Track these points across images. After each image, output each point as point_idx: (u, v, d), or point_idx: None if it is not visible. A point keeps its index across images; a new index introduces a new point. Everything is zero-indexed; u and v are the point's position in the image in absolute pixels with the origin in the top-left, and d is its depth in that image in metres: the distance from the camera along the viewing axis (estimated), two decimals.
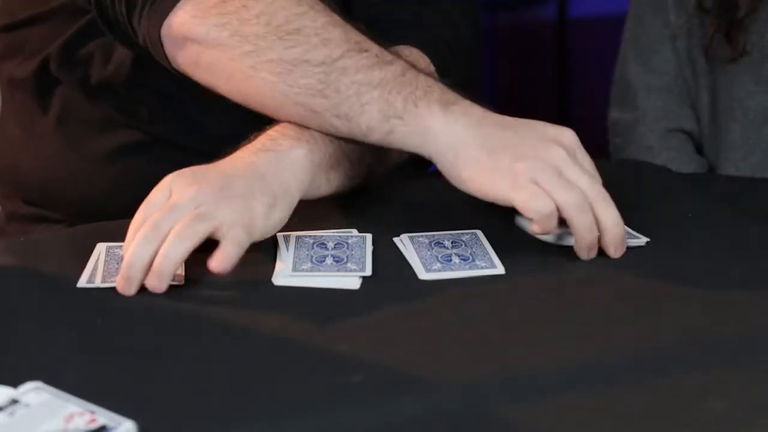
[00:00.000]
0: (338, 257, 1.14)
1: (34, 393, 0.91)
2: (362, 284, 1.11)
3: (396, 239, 1.19)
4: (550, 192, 1.12)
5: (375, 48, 1.19)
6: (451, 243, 1.18)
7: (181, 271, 1.13)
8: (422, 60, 1.39)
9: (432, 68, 1.38)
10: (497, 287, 1.11)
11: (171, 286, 1.10)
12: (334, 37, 1.19)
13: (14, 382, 0.92)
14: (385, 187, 1.32)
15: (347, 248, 1.16)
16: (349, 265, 1.13)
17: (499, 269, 1.13)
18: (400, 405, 0.93)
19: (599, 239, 1.14)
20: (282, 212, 1.16)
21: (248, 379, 0.97)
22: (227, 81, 1.23)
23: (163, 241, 1.09)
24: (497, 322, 1.05)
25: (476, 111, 1.16)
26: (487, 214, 1.22)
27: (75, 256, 1.15)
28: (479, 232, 1.19)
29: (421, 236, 1.19)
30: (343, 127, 1.18)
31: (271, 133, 1.22)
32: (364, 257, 1.14)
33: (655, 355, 1.00)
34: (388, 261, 1.15)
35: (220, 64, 1.22)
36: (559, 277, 1.13)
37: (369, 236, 1.18)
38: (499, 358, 0.99)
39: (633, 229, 1.20)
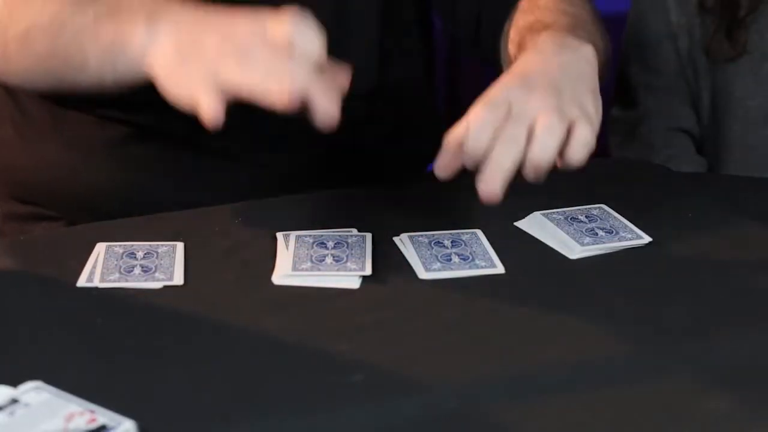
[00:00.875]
0: (338, 257, 1.14)
1: (34, 392, 0.91)
2: (362, 284, 1.11)
3: (396, 239, 1.19)
4: (227, 82, 1.05)
5: None
6: (451, 242, 1.18)
7: (181, 271, 1.13)
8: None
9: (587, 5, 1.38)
10: (497, 287, 1.11)
11: (171, 287, 1.10)
12: None
13: (14, 382, 0.92)
14: (385, 187, 1.32)
15: (347, 247, 1.16)
16: (348, 264, 1.13)
17: (499, 268, 1.13)
18: (400, 405, 0.93)
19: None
20: (601, 108, 1.16)
21: (248, 379, 0.97)
22: (4, 69, 1.24)
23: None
24: (497, 322, 1.05)
25: (182, 15, 1.11)
26: (487, 214, 1.21)
27: (74, 255, 1.15)
28: (479, 232, 1.19)
29: (421, 236, 1.19)
30: (82, 81, 1.17)
31: (547, 36, 1.21)
32: (364, 257, 1.14)
33: (655, 354, 1.00)
34: (389, 261, 1.15)
35: None
36: (559, 277, 1.13)
37: (369, 236, 1.18)
38: (499, 358, 0.99)
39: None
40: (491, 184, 1.06)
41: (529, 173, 1.08)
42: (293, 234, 1.18)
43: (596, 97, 1.16)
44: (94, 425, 0.88)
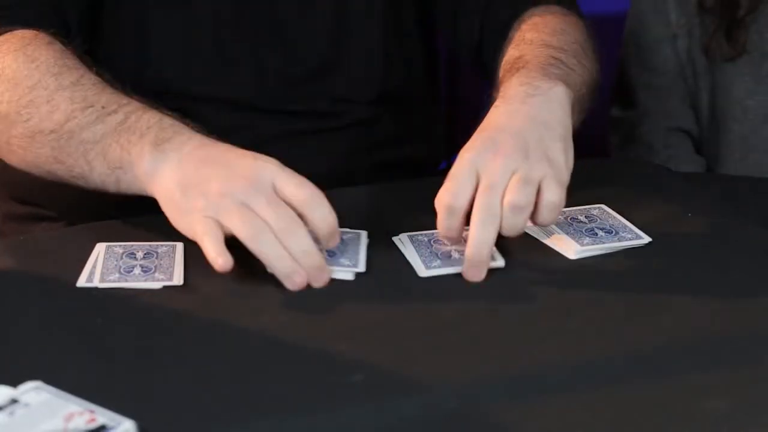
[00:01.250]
0: (331, 252, 1.14)
1: (33, 392, 0.91)
2: (362, 283, 1.11)
3: (395, 238, 1.19)
4: (224, 223, 1.09)
5: (102, 99, 1.21)
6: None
7: (180, 271, 1.13)
8: (565, 18, 1.41)
9: (581, 23, 1.42)
10: (497, 287, 1.11)
11: (171, 287, 1.10)
12: (62, 101, 1.21)
13: (14, 382, 0.92)
14: (385, 188, 1.32)
15: (341, 244, 1.15)
16: (341, 260, 1.13)
17: (500, 261, 1.13)
18: (400, 405, 0.93)
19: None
20: (572, 151, 1.18)
21: (248, 379, 0.97)
22: (5, 158, 1.28)
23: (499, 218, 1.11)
24: (497, 322, 1.05)
25: (188, 146, 1.15)
26: None
27: (74, 255, 1.15)
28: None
29: (420, 234, 1.19)
30: (87, 186, 1.22)
31: (518, 80, 1.23)
32: (358, 254, 1.14)
33: (655, 354, 1.00)
34: (388, 260, 1.15)
35: None
36: (559, 277, 1.13)
37: (364, 233, 1.18)
38: (499, 358, 0.99)
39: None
40: (478, 262, 1.11)
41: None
42: None
43: (566, 142, 1.18)
44: (93, 425, 0.88)
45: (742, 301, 1.08)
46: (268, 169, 1.11)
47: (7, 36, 1.29)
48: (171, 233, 1.19)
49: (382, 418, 0.92)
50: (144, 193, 1.17)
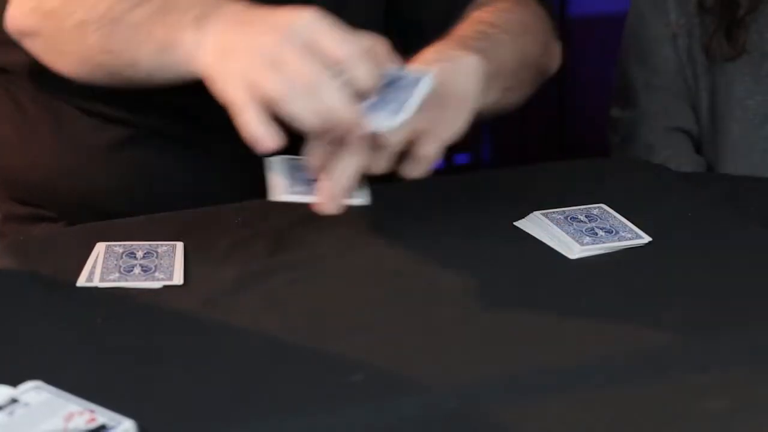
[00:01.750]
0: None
1: (33, 392, 0.91)
2: (362, 283, 1.11)
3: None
4: (259, 85, 1.06)
5: None
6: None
7: (180, 271, 1.13)
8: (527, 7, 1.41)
9: (541, 11, 1.42)
10: (498, 287, 1.11)
11: (171, 286, 1.10)
12: None
13: (14, 381, 0.92)
14: (384, 187, 1.31)
15: (390, 89, 1.13)
16: (383, 111, 1.10)
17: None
18: (400, 405, 0.93)
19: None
20: (465, 117, 1.16)
21: (248, 379, 0.97)
22: (55, 63, 1.26)
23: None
24: (497, 322, 1.05)
25: (226, 15, 1.12)
26: (486, 213, 1.22)
27: (74, 255, 1.15)
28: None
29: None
30: (135, 76, 1.18)
31: (434, 48, 1.22)
32: (409, 98, 1.10)
33: (656, 354, 1.00)
34: (388, 260, 1.15)
35: (42, 48, 1.25)
36: (559, 277, 1.13)
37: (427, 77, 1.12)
38: (500, 358, 0.99)
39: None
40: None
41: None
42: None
43: (459, 108, 1.16)
44: (93, 425, 0.88)
45: (741, 301, 1.08)
46: (302, 20, 1.07)
47: None
48: (171, 233, 1.19)
49: (381, 417, 0.92)
50: (189, 76, 1.14)
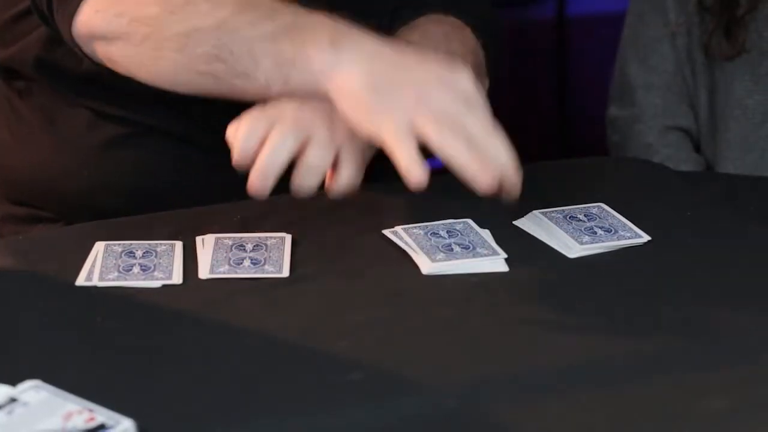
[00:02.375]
0: (255, 259, 1.14)
1: (32, 391, 0.91)
2: (362, 283, 1.11)
3: (387, 231, 1.18)
4: (419, 128, 1.08)
5: (266, 3, 1.18)
6: (447, 233, 1.18)
7: (180, 270, 1.13)
8: (461, 30, 1.41)
9: (473, 40, 1.42)
10: (497, 286, 1.11)
11: (170, 285, 1.10)
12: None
13: (13, 381, 0.92)
14: (383, 186, 1.31)
15: (265, 250, 1.15)
16: (266, 267, 1.13)
17: (501, 255, 1.13)
18: (400, 404, 0.93)
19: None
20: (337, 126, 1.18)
21: (248, 379, 0.97)
22: (140, 69, 1.24)
23: None
24: (496, 321, 1.05)
25: (369, 45, 1.14)
26: (485, 212, 1.22)
27: (73, 254, 1.15)
28: (470, 221, 1.19)
29: (416, 227, 1.19)
30: (246, 87, 1.18)
31: None
32: (282, 259, 1.14)
33: (655, 354, 1.00)
34: (387, 258, 1.15)
35: (128, 53, 1.23)
36: (559, 277, 1.13)
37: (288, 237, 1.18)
38: (499, 357, 0.99)
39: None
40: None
41: None
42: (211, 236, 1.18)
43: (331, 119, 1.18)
44: (92, 424, 0.88)
45: (741, 300, 1.08)
46: (464, 80, 1.11)
47: None
48: (170, 232, 1.19)
49: (381, 417, 0.92)
50: (315, 92, 1.14)
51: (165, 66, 1.22)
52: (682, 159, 1.71)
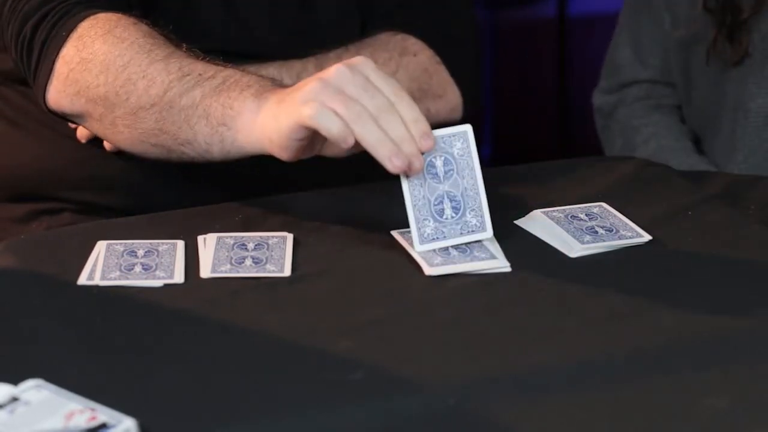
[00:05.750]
0: (257, 258, 1.14)
1: (34, 390, 0.91)
2: (361, 282, 1.11)
3: (393, 232, 1.19)
4: (332, 107, 1.10)
5: (198, 67, 1.23)
6: None
7: (181, 269, 1.13)
8: (407, 56, 1.46)
9: (420, 65, 1.46)
10: (498, 286, 1.11)
11: (171, 285, 1.10)
12: (157, 74, 1.23)
13: (15, 380, 0.92)
14: (383, 185, 1.31)
15: (267, 249, 1.16)
16: (268, 266, 1.13)
17: (502, 261, 1.13)
18: (400, 403, 0.93)
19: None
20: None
21: (248, 379, 0.97)
22: (107, 138, 1.32)
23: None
24: (497, 321, 1.05)
25: (288, 88, 1.17)
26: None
27: (75, 253, 1.15)
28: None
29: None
30: (192, 153, 1.23)
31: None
32: (283, 258, 1.14)
33: (656, 353, 1.00)
34: (388, 258, 1.15)
35: (93, 127, 1.31)
36: (559, 276, 1.13)
37: (290, 236, 1.18)
38: (499, 357, 1.00)
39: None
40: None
41: None
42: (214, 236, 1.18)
43: None
44: (94, 423, 0.88)
45: (741, 300, 1.09)
46: (359, 61, 1.13)
47: (91, 21, 1.29)
48: (172, 231, 1.19)
49: (381, 416, 0.92)
50: (247, 149, 1.18)
51: (123, 139, 1.28)
52: (666, 136, 1.71)
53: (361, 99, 1.11)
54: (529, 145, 3.05)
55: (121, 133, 1.28)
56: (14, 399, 0.90)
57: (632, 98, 1.77)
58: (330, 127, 1.10)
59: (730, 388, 0.95)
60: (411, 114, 1.12)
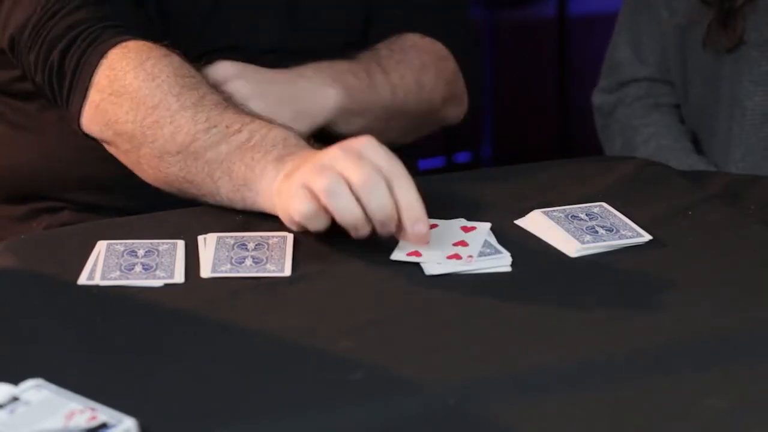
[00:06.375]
0: (257, 258, 1.14)
1: (34, 390, 0.91)
2: (361, 282, 1.11)
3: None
4: (311, 187, 1.11)
5: (225, 119, 1.23)
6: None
7: (182, 269, 1.13)
8: (439, 61, 1.50)
9: (450, 68, 1.51)
10: (498, 286, 1.11)
11: (172, 284, 1.10)
12: (185, 122, 1.24)
13: (15, 380, 0.92)
14: None
15: (267, 249, 1.16)
16: (268, 266, 1.13)
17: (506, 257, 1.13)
18: (401, 403, 0.93)
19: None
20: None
21: (248, 378, 0.97)
22: (131, 168, 1.32)
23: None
24: (498, 321, 1.05)
25: (307, 152, 1.18)
26: (487, 211, 1.22)
27: (75, 253, 1.15)
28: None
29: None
30: (216, 203, 1.24)
31: (314, 66, 1.44)
32: (284, 258, 1.14)
33: (655, 353, 1.00)
34: (387, 258, 1.15)
35: (119, 156, 1.32)
36: (559, 276, 1.13)
37: (290, 236, 1.18)
38: (499, 357, 1.00)
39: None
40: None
41: None
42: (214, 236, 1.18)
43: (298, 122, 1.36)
44: (94, 423, 0.88)
45: (741, 300, 1.09)
46: (358, 139, 1.14)
47: (122, 49, 1.30)
48: (172, 231, 1.19)
49: (382, 416, 0.92)
50: (267, 210, 1.19)
51: (147, 176, 1.29)
52: (666, 136, 1.71)
53: (342, 169, 1.11)
54: (529, 144, 3.05)
55: (146, 172, 1.29)
56: (14, 399, 0.90)
57: (632, 98, 1.77)
58: (301, 212, 1.12)
59: (730, 388, 0.95)
60: (407, 196, 1.11)
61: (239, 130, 1.22)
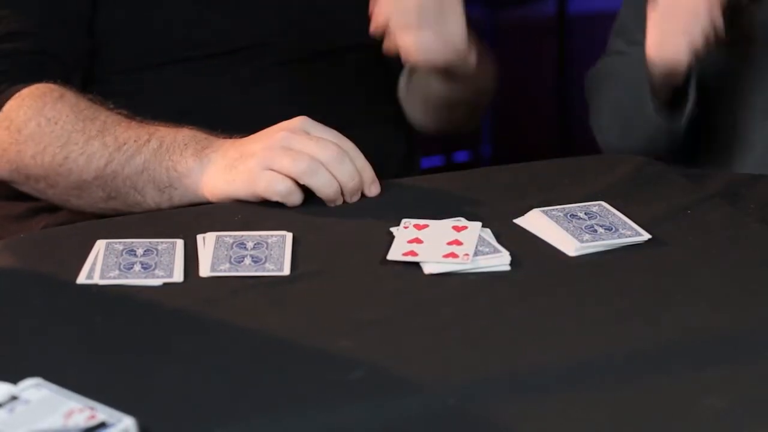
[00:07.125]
0: (257, 257, 1.14)
1: (33, 389, 0.91)
2: (361, 282, 1.11)
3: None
4: (280, 169, 1.22)
5: (132, 134, 1.30)
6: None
7: (180, 268, 1.13)
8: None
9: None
10: (497, 286, 1.11)
11: (171, 284, 1.10)
12: (96, 149, 1.31)
13: (14, 379, 0.92)
14: (383, 184, 1.31)
15: (266, 248, 1.16)
16: (267, 265, 1.13)
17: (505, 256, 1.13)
18: (400, 402, 0.93)
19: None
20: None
21: (248, 377, 0.97)
22: (64, 205, 1.38)
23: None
24: (497, 320, 1.05)
25: (225, 144, 1.27)
26: (486, 210, 1.22)
27: (74, 252, 1.15)
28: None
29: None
30: (145, 209, 1.30)
31: None
32: (283, 257, 1.14)
33: (655, 352, 1.00)
34: (386, 257, 1.15)
35: (38, 194, 1.38)
36: (558, 275, 1.13)
37: (289, 235, 1.18)
38: (499, 356, 1.00)
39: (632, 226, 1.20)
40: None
41: None
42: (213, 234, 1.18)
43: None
44: (93, 422, 0.88)
45: (741, 299, 1.09)
46: (298, 120, 1.25)
47: (17, 101, 1.35)
48: (171, 230, 1.19)
49: (382, 415, 0.92)
50: (198, 200, 1.27)
51: (71, 205, 1.36)
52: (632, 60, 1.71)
53: (309, 149, 1.22)
54: (529, 144, 3.05)
55: (69, 202, 1.36)
56: (13, 398, 0.90)
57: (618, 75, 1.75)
58: (281, 192, 1.22)
59: (730, 388, 0.95)
60: (360, 162, 1.24)
61: (148, 140, 1.29)
